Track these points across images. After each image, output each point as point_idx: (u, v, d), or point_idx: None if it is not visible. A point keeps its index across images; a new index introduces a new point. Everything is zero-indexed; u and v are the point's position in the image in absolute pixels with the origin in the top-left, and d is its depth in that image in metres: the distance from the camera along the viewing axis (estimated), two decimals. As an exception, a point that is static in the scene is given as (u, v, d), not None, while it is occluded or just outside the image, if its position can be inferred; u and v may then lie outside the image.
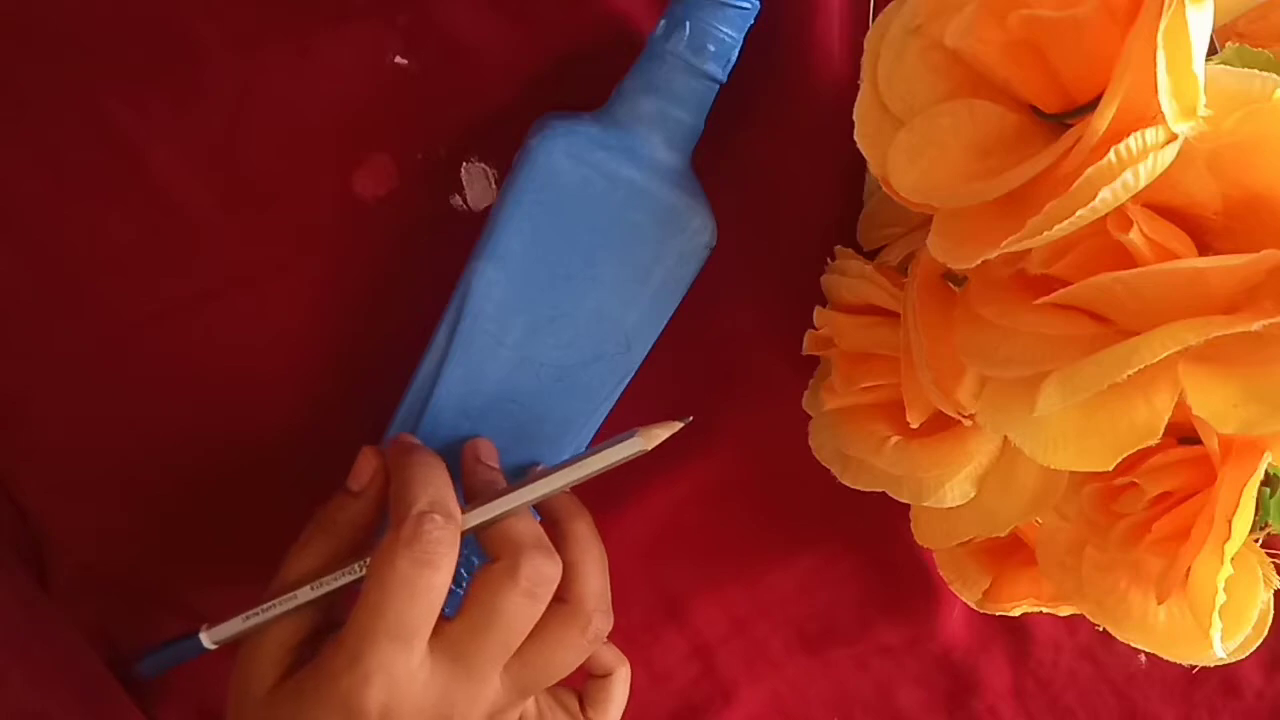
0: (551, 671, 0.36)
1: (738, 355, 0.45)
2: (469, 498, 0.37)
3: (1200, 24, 0.26)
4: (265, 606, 0.36)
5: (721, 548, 0.48)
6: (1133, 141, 0.26)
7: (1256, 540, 0.34)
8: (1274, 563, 0.34)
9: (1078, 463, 0.30)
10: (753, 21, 0.37)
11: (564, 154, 0.36)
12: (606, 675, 0.42)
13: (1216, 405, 0.28)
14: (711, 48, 0.36)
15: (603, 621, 0.36)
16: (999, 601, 0.42)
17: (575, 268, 0.38)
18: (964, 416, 0.34)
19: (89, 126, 0.39)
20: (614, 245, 0.37)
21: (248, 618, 0.36)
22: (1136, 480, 0.33)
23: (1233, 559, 0.31)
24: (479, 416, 0.39)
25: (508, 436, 0.39)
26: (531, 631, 0.35)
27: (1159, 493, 0.33)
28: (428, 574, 0.33)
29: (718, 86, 0.37)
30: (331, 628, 0.37)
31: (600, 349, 0.39)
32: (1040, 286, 0.30)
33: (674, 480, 0.46)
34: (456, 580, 0.34)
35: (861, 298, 0.39)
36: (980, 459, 0.36)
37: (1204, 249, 0.29)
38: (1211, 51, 0.29)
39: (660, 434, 0.36)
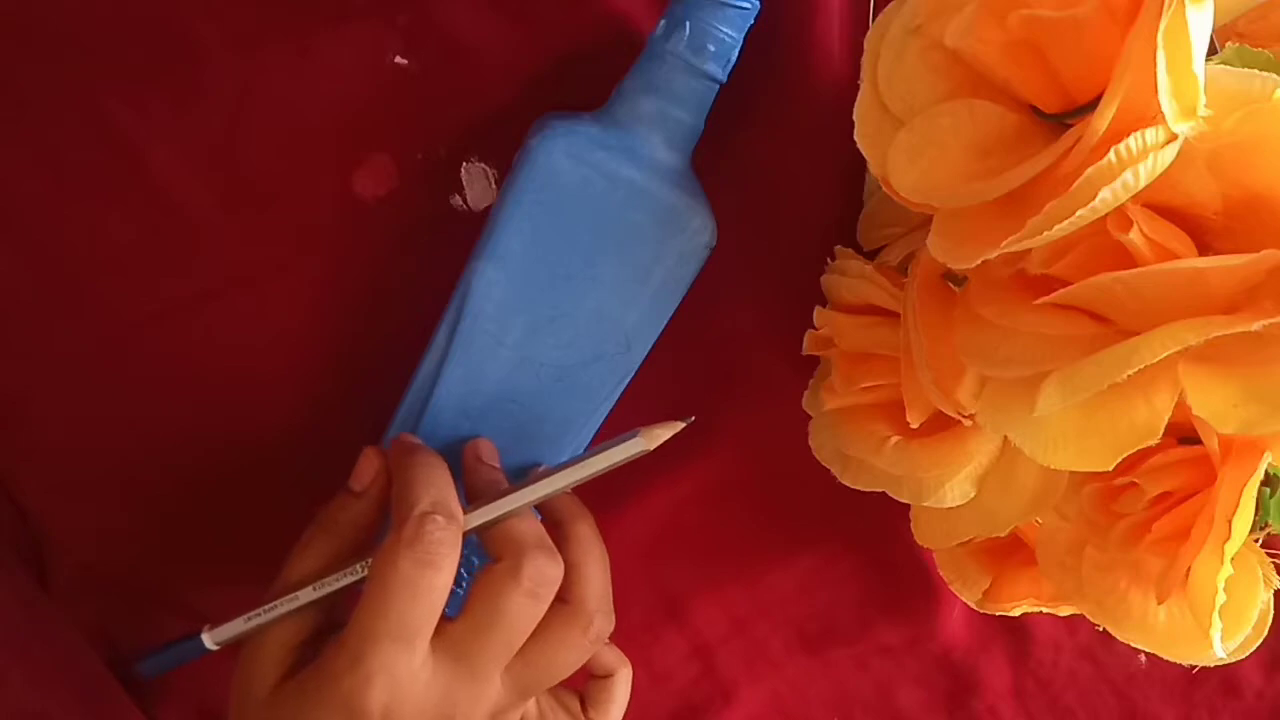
0: (553, 672, 0.36)
1: (738, 355, 0.45)
2: (471, 498, 0.37)
3: (1200, 24, 0.26)
4: (267, 607, 0.36)
5: (721, 548, 0.48)
6: (1133, 141, 0.26)
7: (1256, 540, 0.34)
8: (1274, 563, 0.34)
9: (1078, 463, 0.30)
10: (753, 21, 0.37)
11: (564, 154, 0.36)
12: (608, 676, 0.42)
13: (1216, 405, 0.28)
14: (711, 48, 0.36)
15: (604, 622, 0.37)
16: (999, 601, 0.42)
17: (575, 268, 0.38)
18: (964, 416, 0.34)
19: (89, 126, 0.39)
20: (614, 245, 0.37)
21: (249, 619, 0.36)
22: (1136, 480, 0.33)
23: (1233, 559, 0.31)
24: (479, 416, 0.39)
25: (508, 436, 0.39)
26: (533, 632, 0.35)
27: (1159, 493, 0.33)
28: (430, 574, 0.33)
29: (718, 86, 0.37)
30: (333, 628, 0.37)
31: (600, 349, 0.39)
32: (1040, 286, 0.30)
33: (674, 480, 0.46)
34: (457, 580, 0.34)
35: (861, 298, 0.39)
36: (980, 459, 0.36)
37: (1204, 249, 0.29)
38: (1211, 51, 0.29)
39: (662, 434, 0.36)
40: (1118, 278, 0.28)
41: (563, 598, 0.36)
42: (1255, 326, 0.27)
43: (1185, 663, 0.35)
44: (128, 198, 0.40)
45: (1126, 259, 0.28)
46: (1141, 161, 0.26)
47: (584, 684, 0.42)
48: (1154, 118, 0.26)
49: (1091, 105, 0.27)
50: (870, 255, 0.41)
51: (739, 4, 0.36)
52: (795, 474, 0.43)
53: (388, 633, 0.33)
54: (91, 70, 0.39)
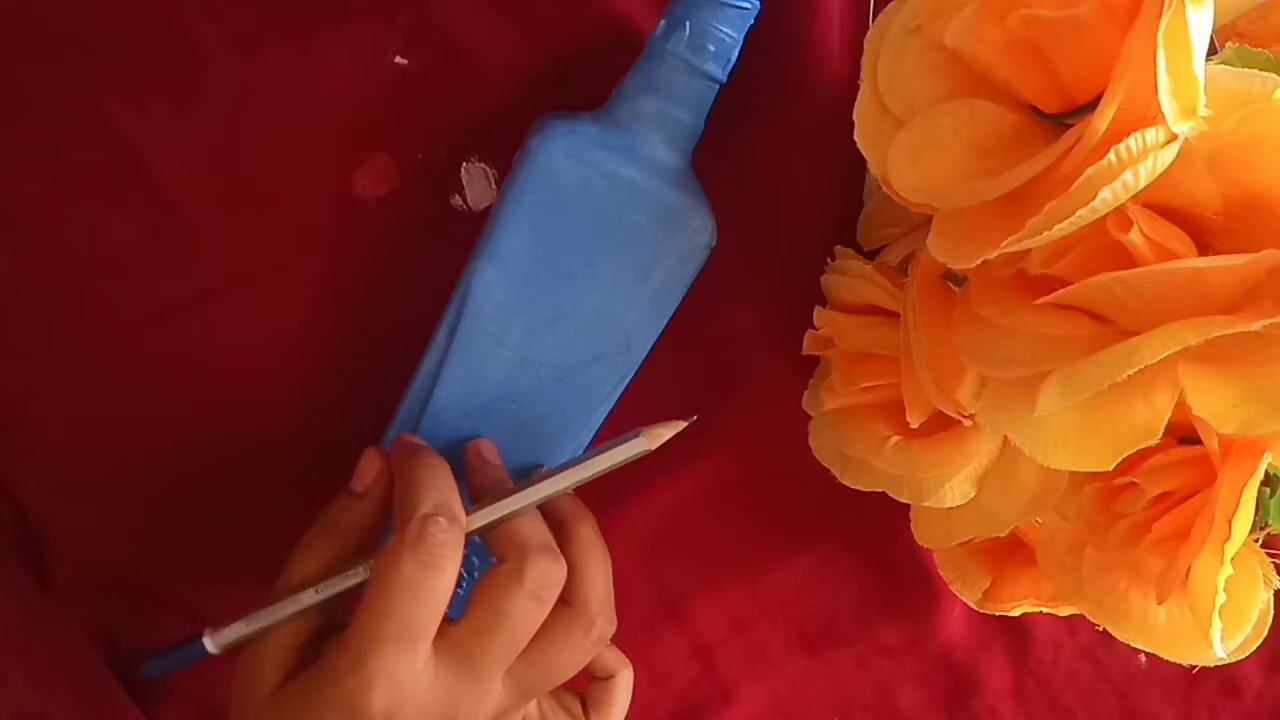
0: (555, 674, 0.36)
1: (738, 355, 0.45)
2: (475, 497, 0.37)
3: (1200, 24, 0.26)
4: (269, 611, 0.36)
5: (721, 548, 0.48)
6: (1133, 141, 0.26)
7: (1256, 540, 0.34)
8: (1274, 563, 0.34)
9: (1078, 463, 0.30)
10: (753, 21, 0.37)
11: (564, 154, 0.36)
12: (609, 678, 0.42)
13: (1216, 405, 0.28)
14: (711, 48, 0.36)
15: (606, 624, 0.36)
16: (999, 601, 0.42)
17: (575, 268, 0.38)
18: (964, 416, 0.34)
19: (89, 126, 0.39)
20: (614, 245, 0.37)
21: (251, 622, 0.36)
22: (1136, 480, 0.33)
23: (1233, 559, 0.31)
24: (479, 416, 0.39)
25: (508, 436, 0.39)
26: (535, 634, 0.35)
27: (1159, 493, 0.33)
28: (432, 576, 0.33)
29: (718, 86, 0.37)
30: (334, 629, 0.37)
31: (600, 349, 0.39)
32: (1040, 286, 0.30)
33: (674, 480, 0.46)
34: (457, 581, 0.34)
35: (861, 298, 0.39)
36: (980, 459, 0.36)
37: (1204, 249, 0.29)
38: (1211, 51, 0.29)
39: (664, 433, 0.36)
40: (1118, 278, 0.28)
41: (565, 599, 0.35)
42: (1255, 326, 0.27)
43: (1185, 663, 0.35)
44: (128, 198, 0.40)
45: (1126, 259, 0.28)
46: (1141, 161, 0.26)
47: (585, 686, 0.42)
48: (1154, 118, 0.26)
49: (1091, 105, 0.27)
50: (870, 255, 0.41)
51: (739, 4, 0.36)
52: (795, 474, 0.43)
53: (390, 635, 0.32)
54: (91, 70, 0.39)
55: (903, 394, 0.37)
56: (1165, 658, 0.35)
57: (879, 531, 0.47)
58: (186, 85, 0.39)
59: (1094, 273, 0.28)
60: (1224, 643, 0.32)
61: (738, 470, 0.46)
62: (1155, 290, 0.28)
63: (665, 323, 0.39)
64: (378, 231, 0.41)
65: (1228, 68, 0.27)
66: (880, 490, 0.39)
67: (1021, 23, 0.28)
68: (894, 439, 0.38)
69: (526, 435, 0.40)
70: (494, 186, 0.41)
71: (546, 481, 0.36)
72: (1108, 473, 0.31)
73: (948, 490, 0.37)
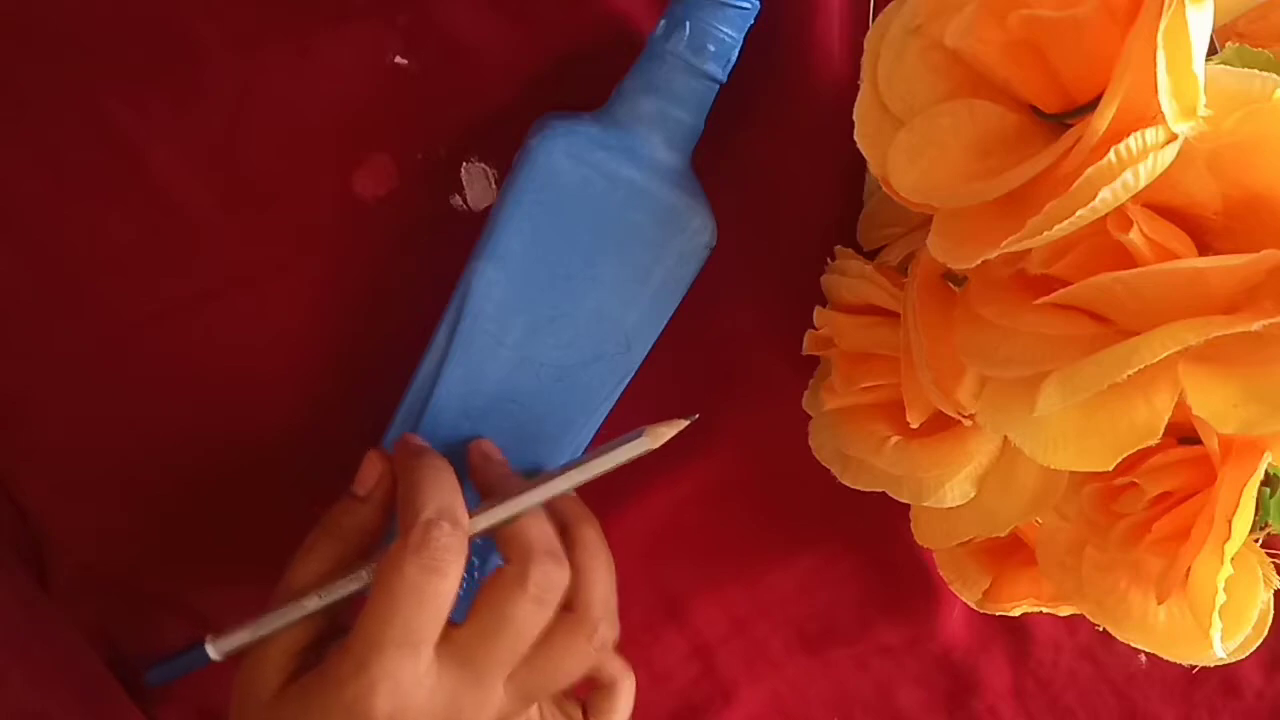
0: (556, 679, 0.36)
1: (738, 355, 0.45)
2: (483, 494, 0.37)
3: (1200, 24, 0.26)
4: (272, 617, 0.36)
5: (721, 548, 0.48)
6: (1133, 141, 0.26)
7: (1256, 540, 0.34)
8: (1274, 563, 0.34)
9: (1078, 463, 0.30)
10: (753, 21, 0.37)
11: (564, 154, 0.36)
12: (611, 686, 0.41)
13: (1216, 405, 0.28)
14: (711, 48, 0.36)
15: (609, 630, 0.36)
16: (999, 601, 0.42)
17: (575, 268, 0.38)
18: (964, 416, 0.34)
19: (89, 126, 0.39)
20: (614, 245, 0.37)
21: (254, 629, 0.36)
22: (1136, 480, 0.33)
23: (1233, 559, 0.31)
24: (479, 416, 0.39)
25: (508, 436, 0.39)
26: (538, 638, 0.35)
27: (1159, 493, 0.33)
28: (435, 581, 0.33)
29: (718, 86, 0.37)
30: (336, 633, 0.36)
31: (600, 349, 0.39)
32: (1040, 286, 0.30)
33: (674, 480, 0.46)
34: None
35: (861, 298, 0.39)
36: (980, 459, 0.36)
37: (1204, 249, 0.29)
38: (1211, 51, 0.29)
39: (666, 432, 0.35)
40: (1118, 278, 0.28)
41: (568, 604, 0.35)
42: (1255, 326, 0.27)
43: (1185, 663, 0.35)
44: (128, 198, 0.40)
45: (1126, 259, 0.28)
46: (1141, 161, 0.26)
47: (587, 693, 0.42)
48: (1154, 118, 0.26)
49: (1091, 105, 0.27)
50: (870, 255, 0.41)
51: (739, 4, 0.36)
52: (795, 474, 0.43)
53: (393, 640, 0.32)
54: (91, 70, 0.39)
55: (903, 394, 0.37)
56: (1165, 658, 0.35)
57: (879, 531, 0.47)
58: (186, 85, 0.39)
59: (1094, 273, 0.28)
60: (1224, 643, 0.32)
61: (738, 470, 0.46)
62: (1155, 290, 0.28)
63: (665, 323, 0.39)
64: (378, 231, 0.41)
65: (1228, 68, 0.27)
66: (880, 490, 0.39)
67: (1021, 23, 0.28)
68: (894, 439, 0.38)
69: (526, 435, 0.40)
70: (494, 186, 0.41)
71: (550, 482, 0.36)
72: (1108, 473, 0.31)
73: (948, 490, 0.37)
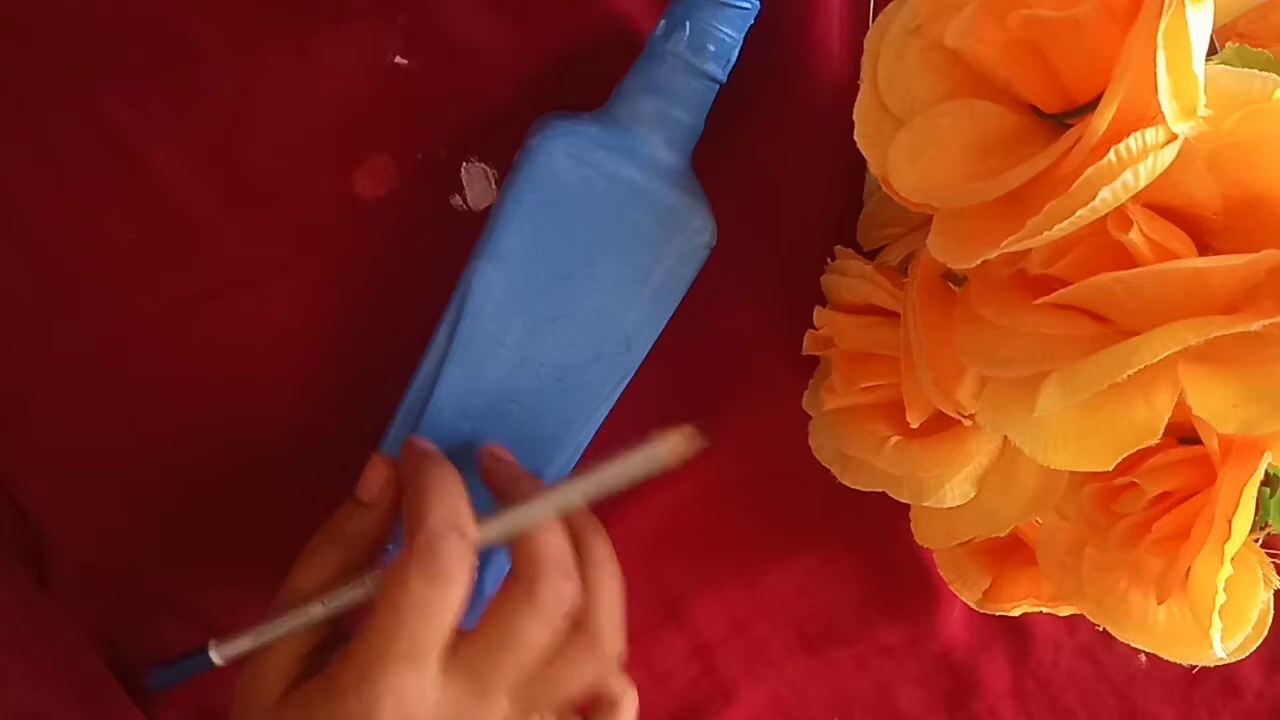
0: (560, 693, 0.35)
1: (738, 355, 0.45)
2: (496, 496, 0.37)
3: (1200, 24, 0.26)
4: (275, 624, 0.35)
5: (721, 548, 0.48)
6: (1133, 141, 0.26)
7: (1256, 540, 0.34)
8: (1274, 563, 0.34)
9: (1078, 463, 0.30)
10: (753, 21, 0.37)
11: (564, 154, 0.36)
12: (614, 703, 0.40)
13: (1216, 405, 0.28)
14: (711, 48, 0.36)
15: (615, 646, 0.36)
16: (999, 601, 0.42)
17: (575, 268, 0.38)
18: (964, 416, 0.34)
19: (89, 126, 0.39)
20: (614, 245, 0.37)
21: (258, 635, 0.35)
22: (1136, 480, 0.33)
23: (1233, 559, 0.31)
24: (479, 416, 0.39)
25: (508, 436, 0.39)
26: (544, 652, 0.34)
27: (1159, 493, 0.33)
28: (441, 594, 0.32)
29: (718, 86, 0.37)
30: (339, 638, 0.36)
31: (600, 349, 0.39)
32: (1040, 286, 0.30)
33: (674, 480, 0.45)
34: None
35: (861, 298, 0.39)
36: (980, 459, 0.36)
37: (1204, 249, 0.29)
38: (1211, 51, 0.29)
39: (680, 446, 0.35)
40: (1118, 278, 0.28)
41: (576, 619, 0.35)
42: (1255, 326, 0.27)
43: (1185, 663, 0.35)
44: (128, 198, 0.40)
45: (1126, 259, 0.28)
46: (1141, 161, 0.26)
47: (589, 709, 0.42)
48: (1154, 118, 0.26)
49: (1091, 105, 0.27)
50: (870, 255, 0.41)
51: (739, 4, 0.36)
52: (795, 474, 0.43)
53: (398, 654, 0.32)
54: (91, 70, 0.39)
55: (903, 394, 0.37)
56: (1165, 658, 0.35)
57: (879, 531, 0.47)
58: (186, 85, 0.39)
59: (1094, 273, 0.28)
60: (1224, 643, 0.32)
61: (738, 470, 0.46)
62: (1155, 290, 0.28)
63: (665, 323, 0.39)
64: (378, 231, 0.41)
65: (1228, 68, 0.27)
66: (880, 490, 0.39)
67: (1021, 23, 0.28)
68: (894, 439, 0.38)
69: (526, 435, 0.40)
70: (494, 186, 0.41)
71: (560, 492, 0.35)
72: (1108, 473, 0.31)
73: (948, 490, 0.37)
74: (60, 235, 0.40)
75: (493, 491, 0.37)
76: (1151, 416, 0.29)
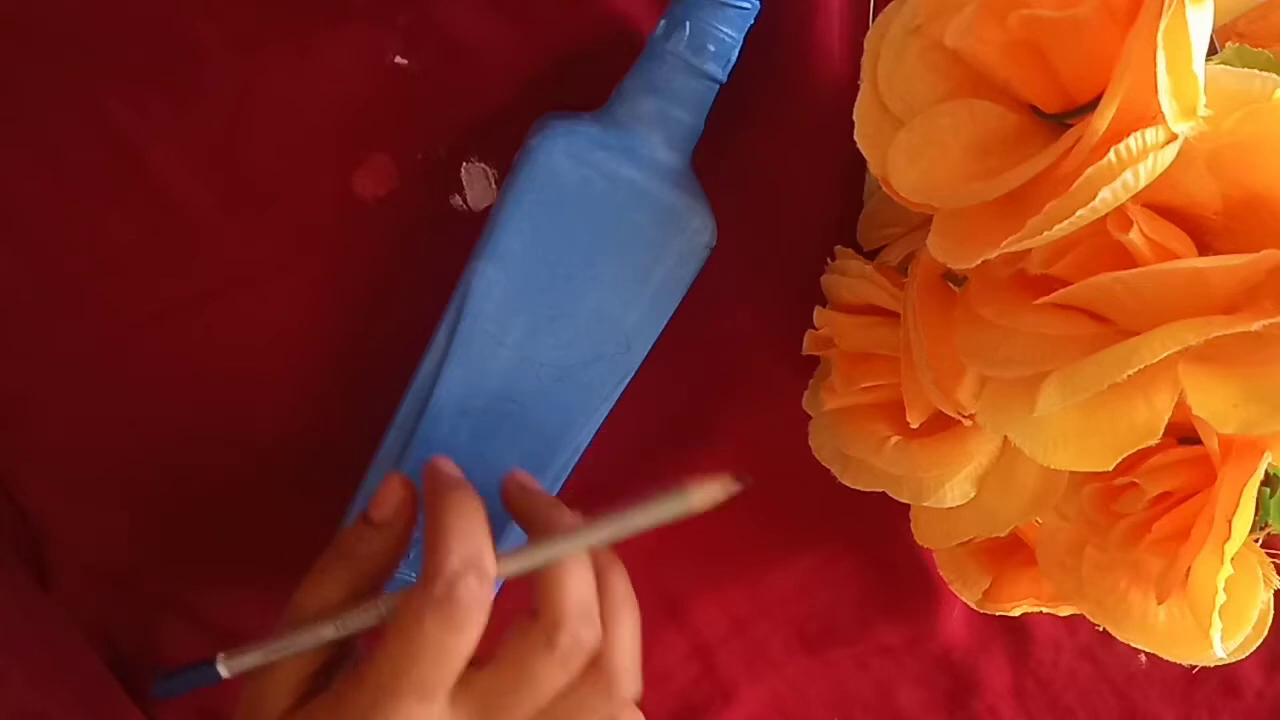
0: None
1: (738, 355, 0.45)
2: (520, 524, 0.36)
3: (1200, 24, 0.26)
4: (285, 642, 0.35)
5: (721, 548, 0.48)
6: (1133, 141, 0.26)
7: (1256, 540, 0.34)
8: (1274, 563, 0.34)
9: (1078, 463, 0.30)
10: (753, 21, 0.37)
11: (564, 154, 0.36)
12: None
13: (1216, 405, 0.28)
14: (711, 48, 0.36)
15: (630, 687, 0.35)
16: (999, 601, 0.42)
17: (575, 268, 0.38)
18: (964, 416, 0.34)
19: (89, 126, 0.39)
20: (614, 245, 0.37)
21: (267, 653, 0.35)
22: (1136, 480, 0.33)
23: (1233, 559, 0.31)
24: (479, 416, 0.39)
25: (508, 436, 0.39)
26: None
27: (1159, 493, 0.33)
28: (456, 639, 0.32)
29: (718, 86, 0.37)
30: (345, 657, 0.36)
31: (600, 349, 0.39)
32: (1040, 286, 0.30)
33: (674, 481, 0.46)
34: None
35: (861, 298, 0.39)
36: (980, 459, 0.36)
37: (1204, 249, 0.29)
38: (1211, 51, 0.29)
39: (714, 494, 0.34)
40: (1118, 278, 0.28)
41: (593, 659, 0.34)
42: (1255, 326, 0.27)
43: (1185, 663, 0.35)
44: (128, 198, 0.40)
45: (1126, 259, 0.28)
46: (1141, 161, 0.26)
47: None
48: (1154, 118, 0.26)
49: (1091, 105, 0.27)
50: (870, 255, 0.41)
51: (739, 4, 0.36)
52: (795, 474, 0.43)
53: (408, 690, 0.31)
54: (91, 70, 0.39)
55: (903, 394, 0.37)
56: (1165, 658, 0.35)
57: (879, 531, 0.47)
58: (186, 85, 0.39)
59: (1094, 273, 0.28)
60: (1224, 643, 0.32)
61: (738, 470, 0.46)
62: (1155, 290, 0.28)
63: (665, 323, 0.39)
64: (378, 231, 0.41)
65: (1228, 68, 0.27)
66: (880, 490, 0.39)
67: (1021, 23, 0.28)
68: (894, 439, 0.38)
69: (526, 435, 0.40)
70: (494, 186, 0.41)
71: (584, 533, 0.35)
72: (1108, 473, 0.31)
73: (948, 490, 0.37)
74: (60, 235, 0.40)
75: (516, 521, 0.37)
76: (1151, 416, 0.29)
